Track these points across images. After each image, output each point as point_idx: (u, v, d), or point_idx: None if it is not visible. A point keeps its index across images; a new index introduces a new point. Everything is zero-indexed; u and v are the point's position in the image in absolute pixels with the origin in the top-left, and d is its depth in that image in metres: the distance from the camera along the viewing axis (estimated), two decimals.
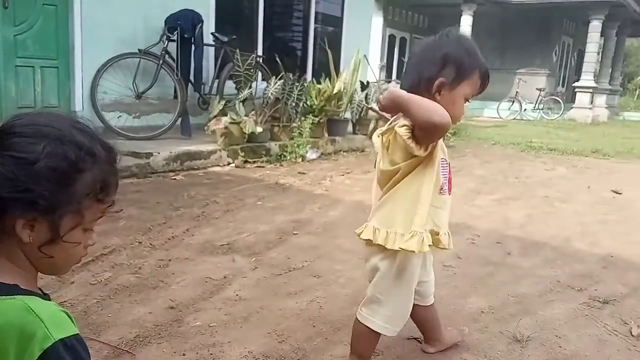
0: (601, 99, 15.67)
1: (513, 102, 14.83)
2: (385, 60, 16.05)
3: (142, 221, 2.94)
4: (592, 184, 4.88)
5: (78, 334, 0.73)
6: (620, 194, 4.54)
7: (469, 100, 1.40)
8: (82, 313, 1.82)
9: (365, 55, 8.05)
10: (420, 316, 1.62)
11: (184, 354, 1.63)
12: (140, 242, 2.60)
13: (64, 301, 1.88)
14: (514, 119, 14.28)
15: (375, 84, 8.04)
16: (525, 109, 14.72)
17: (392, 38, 16.72)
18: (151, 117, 5.34)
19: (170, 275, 2.22)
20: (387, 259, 1.40)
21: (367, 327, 1.45)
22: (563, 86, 18.96)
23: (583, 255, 2.80)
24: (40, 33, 4.71)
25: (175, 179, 4.13)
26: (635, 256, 2.84)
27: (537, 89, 15.06)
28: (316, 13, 7.79)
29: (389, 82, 11.53)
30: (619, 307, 2.14)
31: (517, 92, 14.93)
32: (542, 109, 14.71)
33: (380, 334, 1.46)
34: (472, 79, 1.36)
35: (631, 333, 1.91)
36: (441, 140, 1.36)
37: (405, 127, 1.27)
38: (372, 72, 8.60)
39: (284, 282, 2.22)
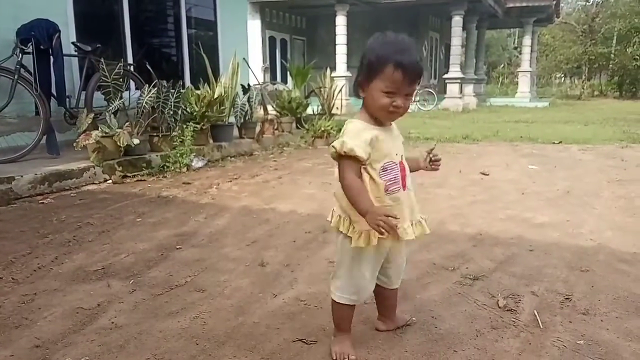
0: (469, 88, 16.99)
1: None
2: (268, 62, 16.11)
3: (2, 254, 2.65)
4: (463, 168, 5.25)
5: None
6: (487, 175, 4.94)
7: (393, 92, 1.46)
8: None
9: (244, 58, 8.01)
10: (382, 296, 1.80)
11: None
12: (0, 278, 2.35)
13: None
14: None
15: (258, 86, 8.04)
16: None
17: (272, 40, 16.81)
18: (11, 137, 4.85)
19: (36, 310, 2.03)
20: (339, 239, 1.62)
21: (332, 300, 1.67)
22: (435, 78, 20.32)
23: (455, 236, 3.00)
24: None
25: (43, 203, 3.79)
26: (501, 232, 3.09)
27: None
28: (188, 18, 7.59)
29: (274, 83, 11.58)
30: (487, 282, 2.31)
31: None
32: (418, 101, 15.56)
33: (344, 304, 1.65)
34: (385, 73, 1.45)
35: (498, 305, 2.07)
36: (385, 144, 1.53)
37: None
38: (254, 75, 8.58)
39: (165, 301, 2.12)
